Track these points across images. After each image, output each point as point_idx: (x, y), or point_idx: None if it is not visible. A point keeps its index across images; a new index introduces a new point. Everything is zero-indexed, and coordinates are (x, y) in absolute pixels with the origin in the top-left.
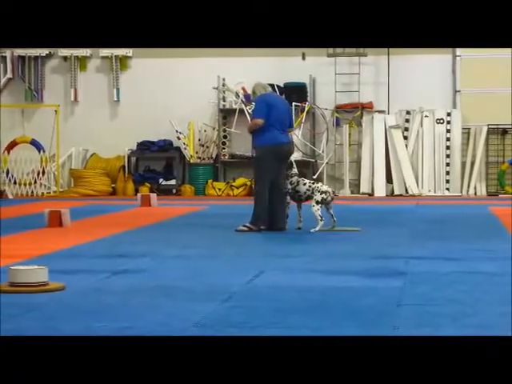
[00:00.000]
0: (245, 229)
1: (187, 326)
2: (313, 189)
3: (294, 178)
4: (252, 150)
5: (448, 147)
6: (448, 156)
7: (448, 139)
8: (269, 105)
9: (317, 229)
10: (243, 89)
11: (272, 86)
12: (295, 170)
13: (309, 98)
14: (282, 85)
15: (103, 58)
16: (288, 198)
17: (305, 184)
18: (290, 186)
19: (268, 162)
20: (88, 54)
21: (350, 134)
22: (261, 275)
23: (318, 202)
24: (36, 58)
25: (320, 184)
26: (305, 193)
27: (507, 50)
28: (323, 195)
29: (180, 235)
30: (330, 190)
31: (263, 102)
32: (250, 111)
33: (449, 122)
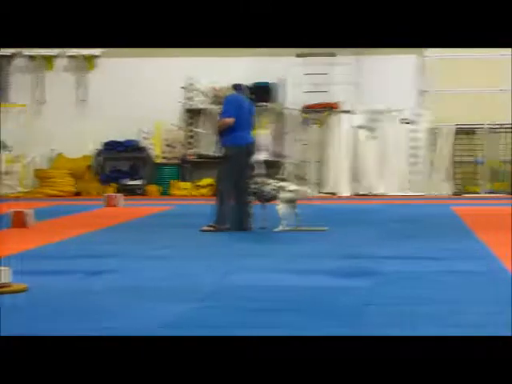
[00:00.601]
0: (210, 229)
1: (159, 326)
2: (278, 188)
3: (260, 179)
4: (218, 149)
5: (414, 147)
6: (414, 156)
7: (414, 139)
8: (238, 105)
9: (280, 228)
10: (214, 88)
11: (240, 85)
12: (261, 171)
13: (277, 98)
14: (250, 85)
15: (70, 57)
16: (253, 197)
17: (269, 184)
18: (254, 186)
19: (237, 162)
20: (55, 54)
21: (316, 134)
22: (232, 275)
23: (282, 201)
24: (2, 57)
25: (286, 183)
26: (269, 192)
27: (474, 51)
28: (288, 194)
29: (147, 235)
30: (297, 188)
31: (232, 101)
32: (219, 111)
33: (415, 122)
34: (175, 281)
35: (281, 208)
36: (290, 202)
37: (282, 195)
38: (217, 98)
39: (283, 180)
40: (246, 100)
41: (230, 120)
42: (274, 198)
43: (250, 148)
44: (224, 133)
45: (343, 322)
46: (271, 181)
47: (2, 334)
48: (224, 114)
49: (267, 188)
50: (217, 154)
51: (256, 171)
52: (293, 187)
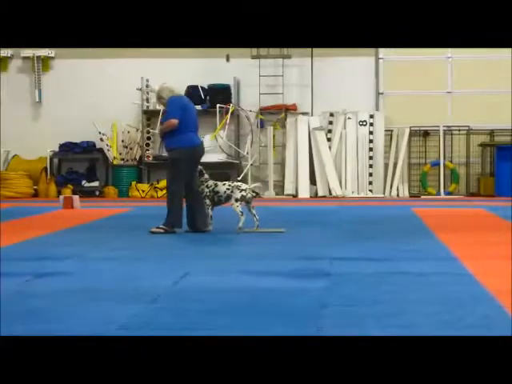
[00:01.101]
0: (160, 230)
1: (112, 328)
2: (232, 187)
3: (210, 182)
4: (163, 151)
5: (371, 149)
6: (371, 158)
7: (371, 141)
8: (182, 107)
9: (240, 225)
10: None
11: (196, 87)
12: (206, 176)
13: (233, 100)
14: (206, 86)
15: (25, 58)
16: (207, 201)
17: (224, 184)
18: (207, 190)
19: (185, 164)
20: (9, 55)
21: (274, 136)
22: (187, 277)
23: (237, 200)
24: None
25: (240, 183)
26: (225, 192)
27: (429, 53)
28: (242, 193)
29: (104, 237)
30: (249, 187)
31: (176, 103)
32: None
33: (372, 124)
34: (128, 283)
35: (237, 206)
36: (245, 200)
37: (237, 194)
38: (160, 100)
39: (240, 181)
40: (190, 102)
41: (174, 121)
42: (229, 198)
43: (199, 150)
44: (169, 135)
45: (296, 323)
46: (226, 182)
47: None
48: (168, 115)
49: (223, 188)
50: (164, 156)
51: (204, 177)
52: (245, 186)
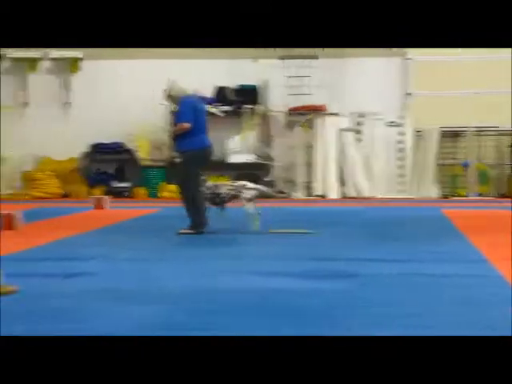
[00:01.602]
0: (189, 232)
1: (133, 328)
2: (237, 187)
3: (209, 183)
4: (174, 153)
5: (400, 150)
6: (400, 159)
7: (400, 142)
8: (194, 108)
9: (258, 223)
10: (195, 91)
11: (224, 88)
12: (203, 177)
13: (261, 101)
14: (234, 87)
15: (53, 59)
16: (208, 202)
17: (225, 185)
18: (207, 191)
19: (198, 166)
20: (38, 56)
21: (302, 137)
22: (210, 277)
23: (249, 200)
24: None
25: (246, 182)
26: (227, 194)
27: (458, 53)
28: (252, 192)
29: (132, 238)
30: (259, 186)
31: (189, 105)
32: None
33: (401, 125)
34: (150, 283)
35: (249, 207)
36: (253, 199)
37: (247, 194)
38: (170, 99)
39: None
40: (200, 101)
41: (187, 125)
42: (233, 198)
43: (208, 151)
44: (181, 137)
45: (319, 324)
46: (223, 183)
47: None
48: (181, 117)
49: (224, 189)
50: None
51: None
52: (253, 185)
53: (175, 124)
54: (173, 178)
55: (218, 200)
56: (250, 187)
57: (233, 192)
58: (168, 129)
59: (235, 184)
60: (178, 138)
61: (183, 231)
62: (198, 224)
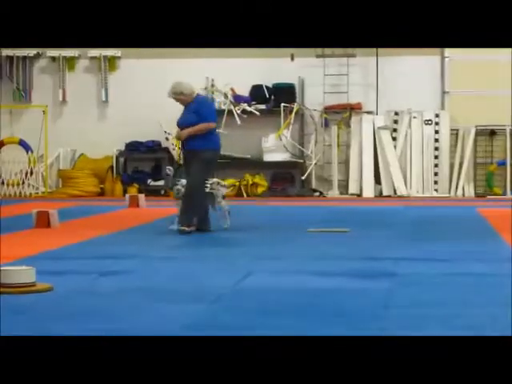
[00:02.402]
0: (187, 229)
1: (175, 327)
2: (212, 185)
3: (183, 181)
4: (186, 152)
5: (436, 148)
6: (436, 157)
7: (436, 140)
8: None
9: (229, 223)
10: (232, 90)
11: (260, 86)
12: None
13: (297, 99)
14: (270, 85)
15: (92, 58)
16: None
17: (222, 185)
18: (211, 189)
19: (215, 165)
20: (76, 55)
21: (338, 135)
22: (249, 276)
23: (224, 197)
24: (24, 58)
25: (216, 179)
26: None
27: (495, 52)
28: (224, 189)
29: (167, 236)
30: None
31: (211, 105)
32: (238, 112)
33: (437, 123)
34: (191, 281)
35: (224, 204)
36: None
37: (222, 191)
38: (179, 95)
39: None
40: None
41: (213, 125)
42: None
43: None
44: (200, 136)
45: (358, 324)
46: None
47: (27, 335)
48: (209, 117)
49: (222, 189)
50: (239, 156)
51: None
52: (223, 182)
53: (192, 124)
54: (184, 175)
55: (220, 198)
56: (223, 184)
57: (208, 189)
58: (183, 127)
59: (210, 181)
60: (197, 136)
61: (183, 228)
62: (190, 221)
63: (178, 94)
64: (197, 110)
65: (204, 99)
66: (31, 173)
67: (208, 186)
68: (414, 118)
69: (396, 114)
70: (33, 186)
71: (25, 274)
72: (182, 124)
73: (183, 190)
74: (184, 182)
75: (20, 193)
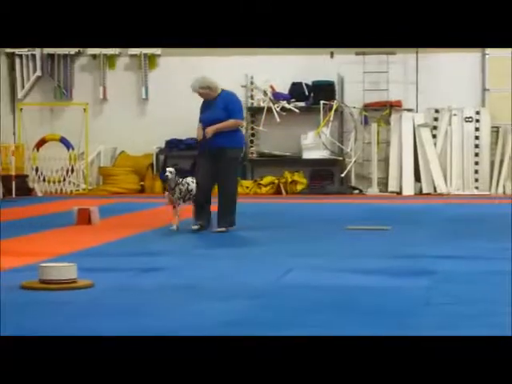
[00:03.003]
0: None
1: (215, 324)
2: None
3: (187, 179)
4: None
5: (477, 146)
6: (477, 155)
7: (477, 138)
8: None
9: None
10: (271, 87)
11: (300, 84)
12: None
13: (337, 97)
14: (309, 83)
15: (132, 56)
16: (180, 201)
17: (193, 182)
18: (183, 188)
19: (240, 164)
20: (117, 53)
21: (378, 133)
22: (289, 274)
23: None
24: (65, 56)
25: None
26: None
27: None
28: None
29: (207, 234)
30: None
31: (240, 102)
32: (278, 109)
33: (477, 121)
34: (231, 278)
35: None
36: None
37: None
38: (207, 90)
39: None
40: None
41: (243, 122)
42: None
43: None
44: (229, 133)
45: (398, 322)
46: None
47: (68, 332)
48: (238, 114)
49: (193, 186)
50: (278, 153)
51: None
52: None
53: (220, 120)
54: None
55: (189, 197)
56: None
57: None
58: (209, 124)
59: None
60: (224, 134)
61: (219, 230)
62: (233, 221)
63: (205, 89)
64: (225, 106)
65: (232, 95)
66: (72, 170)
67: (173, 183)
68: (455, 115)
69: (436, 111)
70: (73, 183)
71: (66, 270)
72: (207, 120)
73: (193, 187)
74: (189, 180)
75: (61, 190)
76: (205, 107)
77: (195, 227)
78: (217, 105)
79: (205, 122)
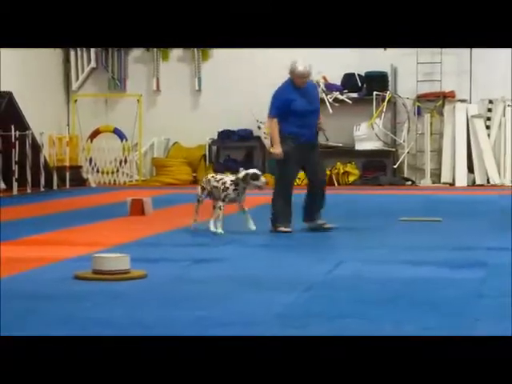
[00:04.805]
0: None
1: (268, 316)
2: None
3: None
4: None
5: None
6: None
7: None
8: None
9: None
10: (324, 78)
11: (353, 75)
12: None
13: (390, 88)
14: (363, 74)
15: (185, 47)
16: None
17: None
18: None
19: None
20: None
21: (431, 124)
22: (340, 266)
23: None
24: (120, 48)
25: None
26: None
27: None
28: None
29: (259, 225)
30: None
31: None
32: (330, 100)
33: None
34: (284, 270)
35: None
36: None
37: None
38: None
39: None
40: None
41: None
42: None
43: None
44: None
45: (452, 314)
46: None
47: (122, 322)
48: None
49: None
50: (332, 144)
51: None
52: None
53: (318, 110)
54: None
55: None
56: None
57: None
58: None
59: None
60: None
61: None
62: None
63: (307, 76)
64: (316, 95)
65: (315, 84)
66: (125, 161)
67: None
68: (509, 106)
69: (490, 102)
70: (127, 174)
71: (119, 261)
72: (310, 109)
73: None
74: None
75: (114, 181)
76: (295, 94)
77: (287, 230)
78: (310, 94)
79: (307, 110)
